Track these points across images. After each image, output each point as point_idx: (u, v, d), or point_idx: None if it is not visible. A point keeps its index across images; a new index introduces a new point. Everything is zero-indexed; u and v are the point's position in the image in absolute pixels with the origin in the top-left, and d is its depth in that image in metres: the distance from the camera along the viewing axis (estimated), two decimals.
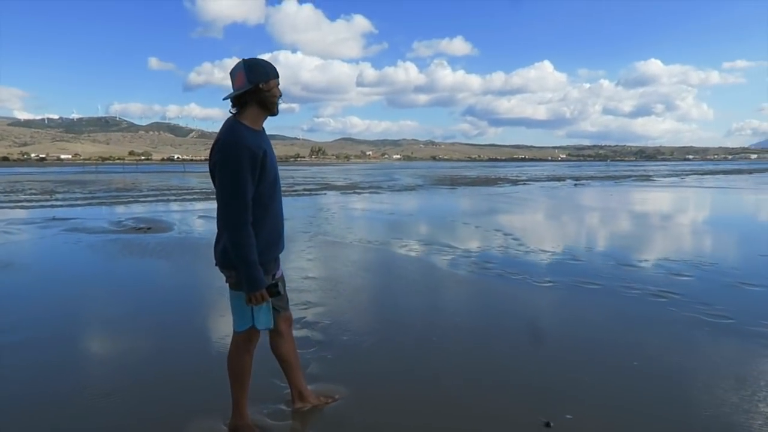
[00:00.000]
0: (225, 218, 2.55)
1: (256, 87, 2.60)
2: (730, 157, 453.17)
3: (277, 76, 2.69)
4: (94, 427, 3.15)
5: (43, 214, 15.11)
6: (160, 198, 21.68)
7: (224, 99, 2.69)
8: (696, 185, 32.26)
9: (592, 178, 43.47)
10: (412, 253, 8.76)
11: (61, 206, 17.83)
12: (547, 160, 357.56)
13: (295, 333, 3.58)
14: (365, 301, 6.03)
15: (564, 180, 39.25)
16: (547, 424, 3.08)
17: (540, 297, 6.04)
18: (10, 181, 38.68)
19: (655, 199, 22.45)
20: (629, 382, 3.74)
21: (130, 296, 6.28)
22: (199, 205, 18.16)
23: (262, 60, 2.67)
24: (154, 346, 4.50)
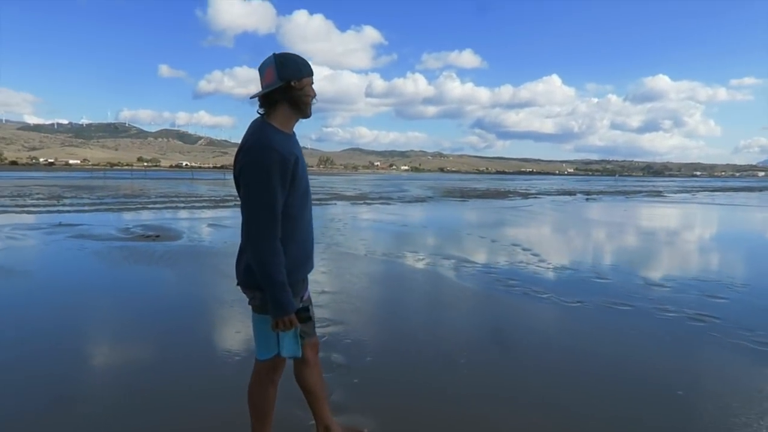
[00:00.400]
0: (251, 232, 2.25)
1: (287, 84, 2.31)
2: (737, 174, 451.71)
3: (311, 74, 2.40)
4: None
5: (49, 220, 14.87)
6: (168, 205, 21.45)
7: (252, 98, 2.40)
8: (709, 202, 31.79)
9: (602, 192, 43.03)
10: (430, 268, 8.44)
11: (68, 212, 17.61)
12: (554, 174, 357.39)
13: None
14: (386, 319, 5.70)
15: (574, 194, 38.84)
16: None
17: (571, 319, 5.69)
18: (18, 185, 38.61)
19: (672, 215, 22.04)
20: (674, 413, 3.40)
21: (133, 307, 5.97)
22: (208, 213, 17.91)
23: (295, 55, 2.38)
24: (156, 362, 4.19)
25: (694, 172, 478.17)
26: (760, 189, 60.63)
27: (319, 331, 4.82)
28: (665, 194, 41.59)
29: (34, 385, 3.79)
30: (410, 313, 6.00)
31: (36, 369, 4.08)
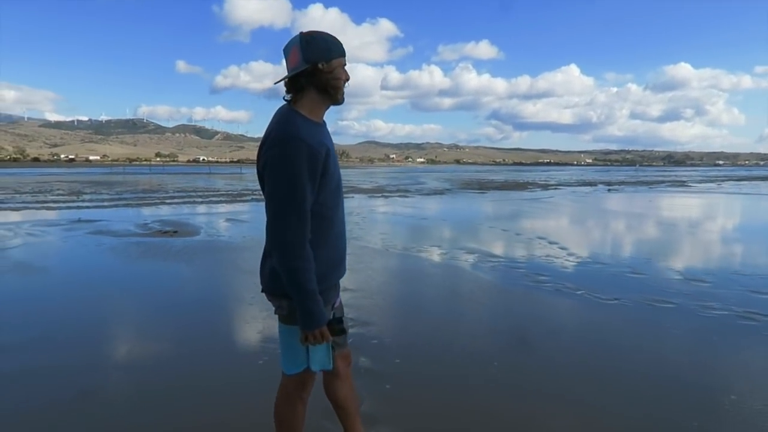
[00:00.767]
0: (276, 234, 1.97)
1: (314, 67, 2.03)
2: (762, 163, 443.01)
3: (343, 54, 2.09)
4: None
5: (69, 216, 14.82)
6: (186, 200, 21.37)
7: (276, 83, 2.13)
8: (736, 191, 30.98)
9: (623, 183, 42.25)
10: (453, 262, 8.15)
11: (88, 207, 17.59)
12: (572, 165, 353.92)
13: None
14: (411, 317, 5.43)
15: (595, 185, 38.15)
16: None
17: (610, 318, 5.36)
18: (39, 181, 38.98)
19: (700, 205, 21.44)
20: (725, 420, 3.08)
21: (149, 304, 5.77)
22: (226, 208, 17.77)
23: (324, 33, 2.08)
24: (170, 359, 3.96)
25: (717, 162, 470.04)
26: None
27: None
28: (689, 184, 40.70)
29: (53, 378, 3.59)
30: (436, 310, 5.72)
31: (47, 362, 3.89)
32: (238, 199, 21.52)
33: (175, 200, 21.17)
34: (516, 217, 15.89)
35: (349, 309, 5.43)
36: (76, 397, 3.49)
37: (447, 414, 3.27)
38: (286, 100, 2.12)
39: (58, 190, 27.81)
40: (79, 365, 4.03)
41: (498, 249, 9.50)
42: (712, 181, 46.48)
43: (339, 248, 2.20)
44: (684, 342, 4.65)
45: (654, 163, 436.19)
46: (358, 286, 6.48)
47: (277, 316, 2.18)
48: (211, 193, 25.85)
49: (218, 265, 8.03)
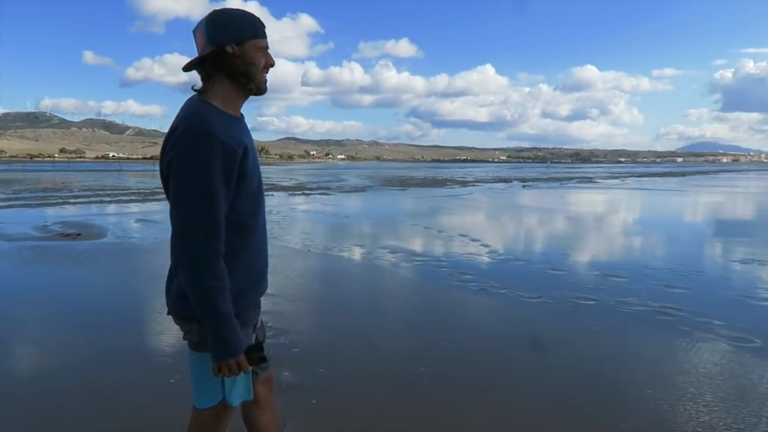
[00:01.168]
0: (183, 249, 1.66)
1: (221, 50, 1.73)
2: (658, 160, 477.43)
3: (259, 36, 1.77)
4: None
5: None
6: (93, 199, 19.97)
7: (184, 69, 1.82)
8: (639, 187, 32.90)
9: (536, 179, 43.88)
10: (377, 262, 7.97)
11: None
12: (488, 162, 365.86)
13: None
14: (335, 321, 5.17)
15: (511, 182, 39.36)
16: None
17: (536, 317, 5.35)
18: None
19: (608, 201, 22.54)
20: (639, 412, 3.08)
21: (39, 317, 5.18)
22: (137, 207, 16.72)
23: (237, 11, 1.76)
24: (58, 381, 3.51)
25: (619, 159, 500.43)
26: (682, 174, 63.71)
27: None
28: (596, 180, 42.87)
29: None
30: (359, 313, 5.50)
31: None
32: (151, 197, 20.37)
33: (81, 200, 19.74)
34: (437, 214, 15.99)
35: (268, 316, 5.09)
36: None
37: (378, 426, 3.06)
38: (195, 90, 1.81)
39: None
40: None
41: (421, 247, 9.43)
42: (616, 178, 49.23)
43: (260, 261, 1.92)
44: (605, 338, 4.69)
45: (563, 160, 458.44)
46: (277, 290, 6.14)
47: (186, 342, 1.87)
48: (121, 191, 24.35)
49: (125, 270, 7.43)
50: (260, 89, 1.82)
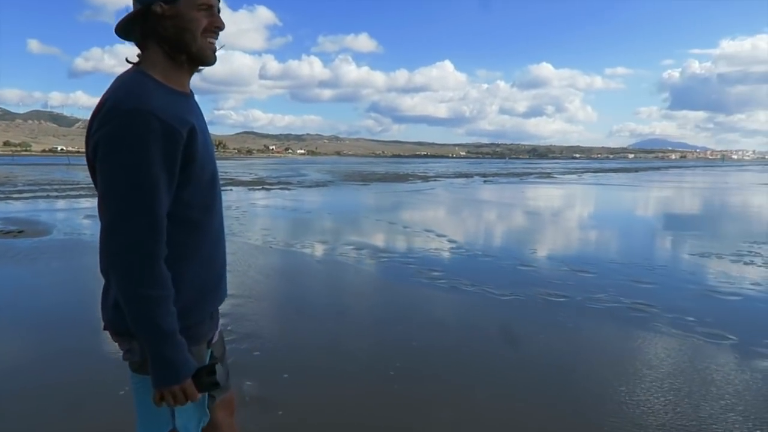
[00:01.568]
0: (114, 250, 1.35)
1: (145, 9, 1.40)
2: (611, 156, 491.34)
3: None
4: None
5: None
6: (38, 194, 19.02)
7: (116, 33, 1.51)
8: (596, 182, 33.54)
9: (496, 174, 44.28)
10: (342, 259, 7.71)
11: None
12: (448, 157, 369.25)
13: None
14: (301, 323, 4.89)
15: (471, 177, 39.57)
16: None
17: (510, 316, 5.19)
18: None
19: (568, 196, 22.81)
20: (615, 412, 2.94)
21: None
22: (87, 203, 15.95)
23: None
24: None
25: (574, 155, 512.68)
26: (635, 170, 65.46)
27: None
28: (554, 176, 43.52)
29: None
30: (325, 313, 5.23)
31: None
32: None
33: (25, 195, 18.76)
34: (401, 209, 15.82)
35: (226, 318, 4.77)
36: None
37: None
38: (129, 63, 1.50)
39: None
40: None
41: (386, 243, 9.22)
42: (573, 173, 50.13)
43: (216, 265, 1.61)
44: (578, 335, 4.57)
45: (521, 156, 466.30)
46: (236, 290, 5.78)
47: (127, 363, 1.57)
48: (70, 186, 23.30)
49: (70, 270, 6.97)
50: (201, 58, 1.47)
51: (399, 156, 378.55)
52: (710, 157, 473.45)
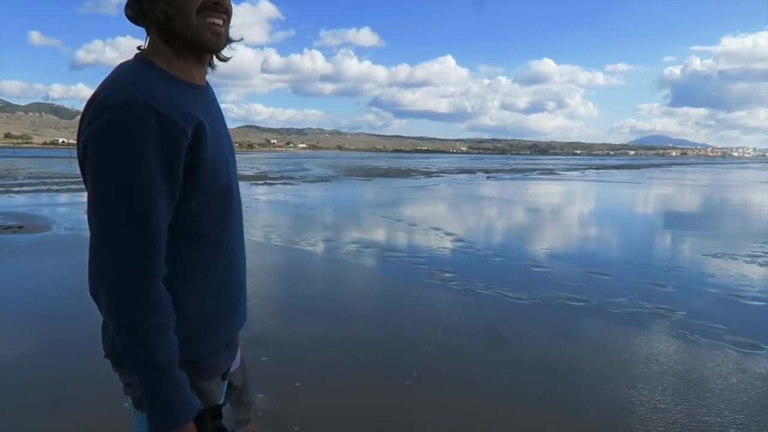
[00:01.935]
0: (103, 268, 1.14)
1: None
2: (612, 153, 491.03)
3: None
4: None
5: None
6: (39, 188, 18.82)
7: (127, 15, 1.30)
8: (600, 179, 33.30)
9: (499, 171, 44.03)
10: (350, 258, 7.52)
11: None
12: (449, 152, 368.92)
13: None
14: (311, 326, 4.70)
15: (474, 173, 39.35)
16: None
17: (529, 321, 5.00)
18: None
19: (573, 194, 22.61)
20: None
21: None
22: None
23: None
24: None
25: (575, 151, 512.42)
26: (637, 167, 65.21)
27: None
28: (557, 172, 43.28)
29: None
30: (335, 316, 5.04)
31: None
32: None
33: (26, 188, 18.59)
34: (406, 206, 15.61)
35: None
36: None
37: None
38: (139, 49, 1.29)
39: None
40: None
41: (395, 241, 9.04)
42: (575, 170, 49.87)
43: (231, 287, 1.38)
44: (601, 343, 4.37)
45: (522, 152, 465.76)
46: (252, 291, 5.61)
47: (126, 395, 1.36)
48: (71, 179, 23.08)
49: (69, 266, 6.77)
50: (199, 43, 1.22)
51: (400, 151, 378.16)
52: (711, 154, 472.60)
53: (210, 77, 1.36)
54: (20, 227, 9.55)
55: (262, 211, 13.28)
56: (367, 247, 8.32)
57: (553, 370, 3.83)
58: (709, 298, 5.69)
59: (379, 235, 9.83)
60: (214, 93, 1.39)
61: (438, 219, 12.46)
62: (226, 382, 1.45)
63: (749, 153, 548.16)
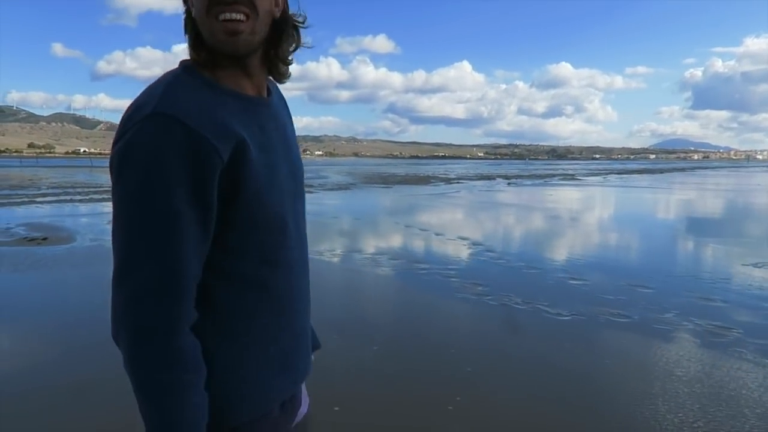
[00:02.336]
0: (119, 312, 0.93)
1: None
2: (632, 157, 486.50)
3: None
4: None
5: None
6: (62, 198, 18.91)
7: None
8: (624, 185, 32.74)
9: (518, 176, 43.58)
10: (379, 271, 7.28)
11: None
12: (466, 158, 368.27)
13: None
14: (344, 346, 4.47)
15: (494, 179, 38.94)
16: None
17: (573, 338, 4.71)
18: None
19: (599, 200, 22.21)
20: None
21: None
22: (110, 207, 15.75)
23: None
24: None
25: (594, 155, 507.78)
26: (660, 171, 64.25)
27: None
28: (578, 177, 42.69)
29: None
30: (369, 335, 4.80)
31: None
32: None
33: (49, 198, 18.68)
34: (428, 214, 15.38)
35: None
36: None
37: None
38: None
39: None
40: None
41: (422, 252, 8.80)
42: (596, 175, 49.20)
43: (284, 339, 1.13)
44: (654, 365, 4.07)
45: (540, 157, 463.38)
46: None
47: None
48: (93, 189, 23.23)
49: (92, 282, 6.64)
50: (216, 47, 0.99)
51: (417, 157, 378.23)
52: (734, 157, 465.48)
53: None
54: (44, 239, 9.48)
55: None
56: (393, 258, 8.08)
57: (610, 396, 3.55)
58: (764, 314, 5.35)
59: (405, 245, 9.59)
60: (280, 105, 1.18)
61: (463, 227, 12.19)
62: None
63: None
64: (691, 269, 7.55)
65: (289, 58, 1.14)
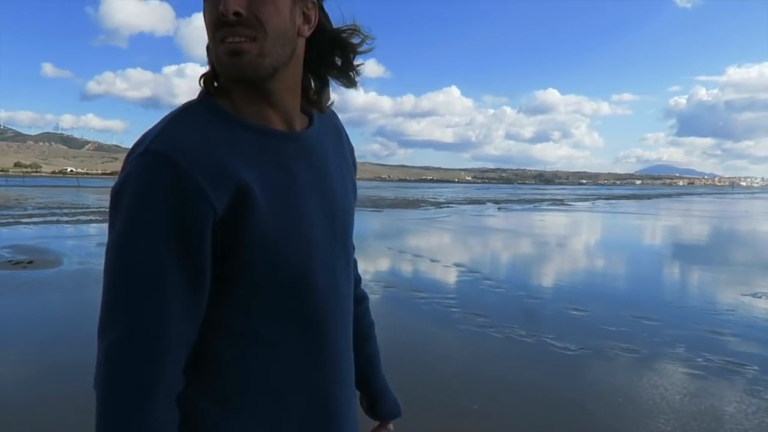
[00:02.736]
0: (97, 369, 0.77)
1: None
2: (618, 182, 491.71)
3: None
4: None
5: None
6: (48, 218, 18.55)
7: None
8: (612, 210, 32.89)
9: (507, 201, 43.69)
10: (375, 297, 7.09)
11: None
12: (454, 182, 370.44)
13: None
14: None
15: (484, 203, 39.01)
16: None
17: (581, 374, 4.55)
18: None
19: (591, 226, 22.21)
20: None
21: None
22: (98, 228, 15.46)
23: None
24: None
25: (581, 180, 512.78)
26: (647, 197, 64.81)
27: None
28: (567, 202, 42.90)
29: None
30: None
31: None
32: None
33: (35, 219, 18.32)
34: (421, 239, 15.24)
35: None
36: None
37: None
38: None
39: None
40: None
41: (419, 280, 8.63)
42: (585, 200, 49.48)
43: (305, 414, 0.90)
44: (670, 404, 3.91)
45: (527, 181, 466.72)
46: None
47: None
48: (80, 210, 22.88)
49: (80, 308, 6.39)
50: (222, 74, 0.86)
51: (405, 180, 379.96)
52: (718, 183, 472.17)
53: None
54: (30, 262, 9.19)
55: None
56: (389, 285, 7.90)
57: None
58: None
59: (401, 271, 9.42)
60: (326, 139, 1.00)
61: (457, 254, 12.06)
62: None
63: (758, 183, 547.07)
64: (692, 300, 7.47)
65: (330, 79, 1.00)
